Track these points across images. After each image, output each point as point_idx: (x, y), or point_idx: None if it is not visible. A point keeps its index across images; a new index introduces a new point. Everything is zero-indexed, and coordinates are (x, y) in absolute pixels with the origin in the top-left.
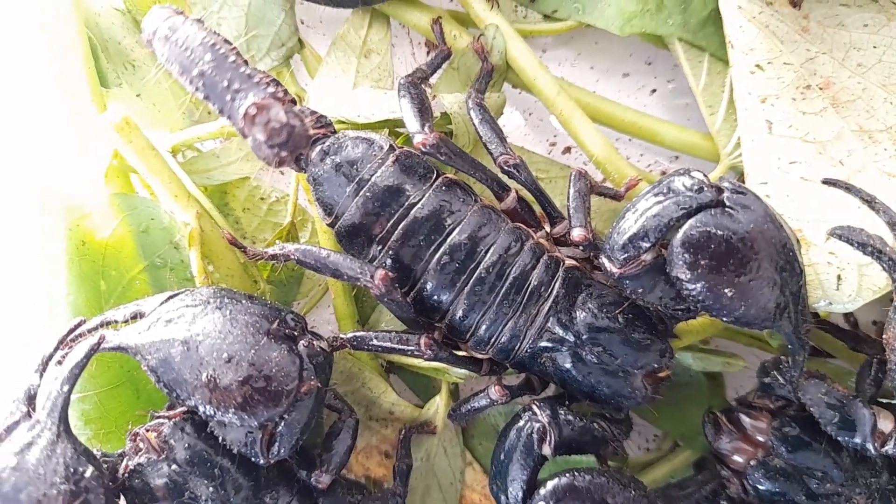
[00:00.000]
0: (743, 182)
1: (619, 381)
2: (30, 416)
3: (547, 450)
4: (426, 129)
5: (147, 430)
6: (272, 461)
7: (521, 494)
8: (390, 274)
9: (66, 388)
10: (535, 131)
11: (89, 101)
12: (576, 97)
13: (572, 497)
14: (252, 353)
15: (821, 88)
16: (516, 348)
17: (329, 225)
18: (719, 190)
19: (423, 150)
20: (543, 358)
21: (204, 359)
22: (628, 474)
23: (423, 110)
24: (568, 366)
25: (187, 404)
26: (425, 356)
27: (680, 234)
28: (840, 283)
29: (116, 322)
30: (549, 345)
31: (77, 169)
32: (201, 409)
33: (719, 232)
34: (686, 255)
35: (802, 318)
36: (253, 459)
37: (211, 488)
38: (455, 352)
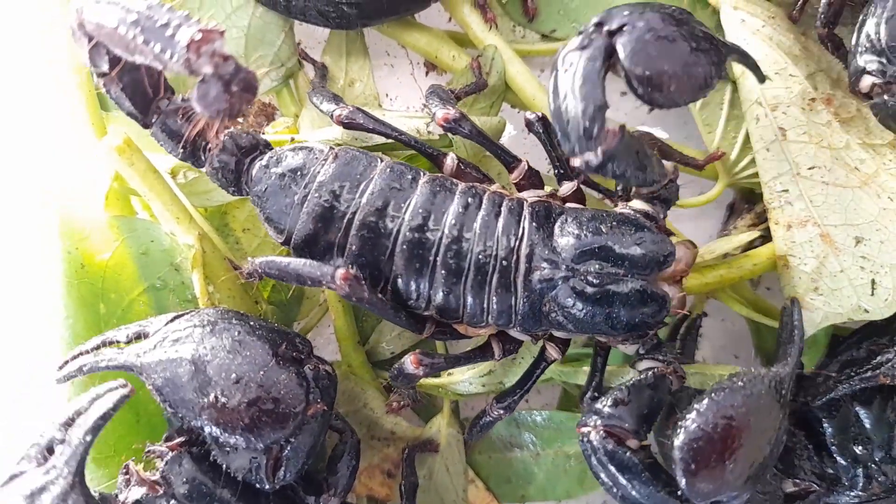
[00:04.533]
0: (760, 195)
1: (634, 297)
2: (45, 461)
3: (633, 443)
4: (448, 106)
5: (139, 462)
6: (278, 486)
7: (659, 493)
8: (352, 271)
9: (88, 438)
10: (535, 150)
11: (88, 124)
12: None
13: (704, 446)
14: (261, 375)
15: (823, 103)
16: (513, 305)
17: (283, 243)
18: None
19: (445, 125)
20: (546, 306)
21: (212, 379)
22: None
23: (447, 97)
24: (573, 301)
25: (193, 425)
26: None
27: (621, 57)
28: (875, 287)
29: (119, 342)
30: (543, 286)
31: (76, 191)
32: (207, 429)
33: (640, 34)
34: (632, 60)
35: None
36: (258, 485)
37: None
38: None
